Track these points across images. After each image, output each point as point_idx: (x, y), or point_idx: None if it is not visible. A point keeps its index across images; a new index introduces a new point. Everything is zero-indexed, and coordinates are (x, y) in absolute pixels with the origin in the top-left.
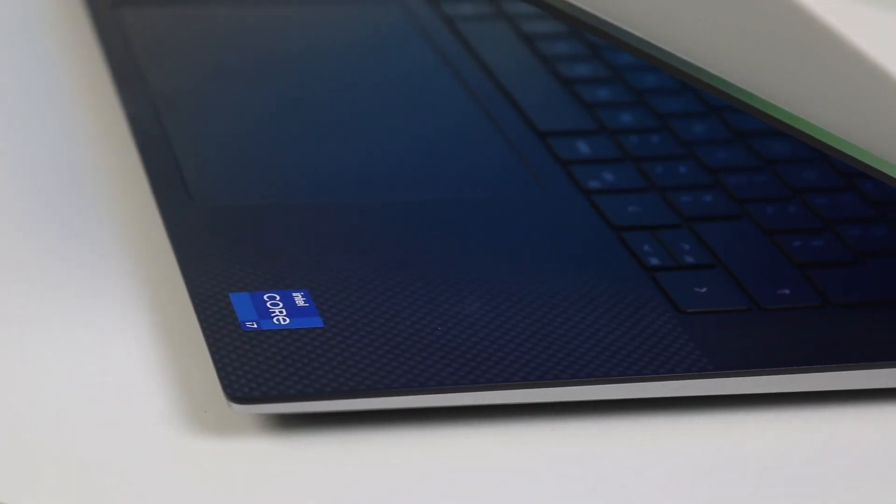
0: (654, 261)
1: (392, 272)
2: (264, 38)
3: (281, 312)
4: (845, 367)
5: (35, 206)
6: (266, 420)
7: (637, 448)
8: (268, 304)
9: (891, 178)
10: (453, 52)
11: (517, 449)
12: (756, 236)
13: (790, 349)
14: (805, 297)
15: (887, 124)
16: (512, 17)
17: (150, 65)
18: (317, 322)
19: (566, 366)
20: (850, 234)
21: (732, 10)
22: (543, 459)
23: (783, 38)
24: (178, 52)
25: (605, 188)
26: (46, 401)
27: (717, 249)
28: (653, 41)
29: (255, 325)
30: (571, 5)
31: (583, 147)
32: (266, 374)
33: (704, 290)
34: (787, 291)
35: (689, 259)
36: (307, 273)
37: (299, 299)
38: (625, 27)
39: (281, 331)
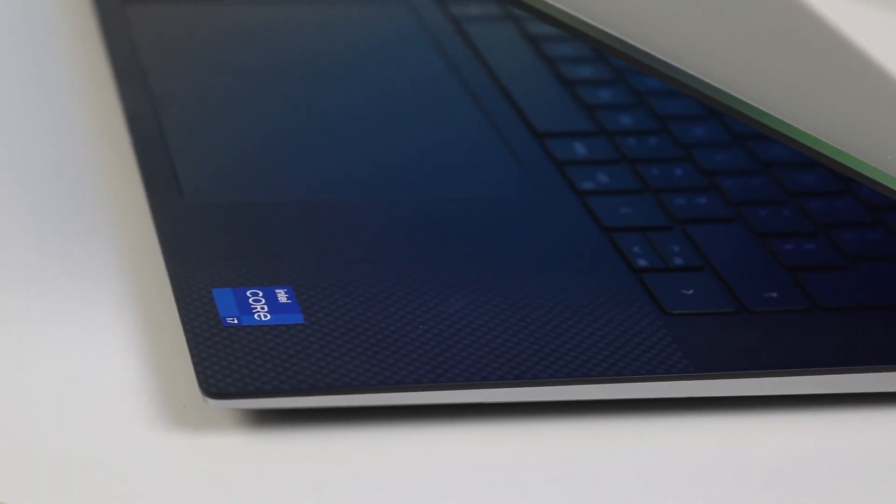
0: (642, 262)
1: (378, 270)
2: (269, 37)
3: (262, 309)
4: (828, 371)
5: (27, 198)
6: (244, 416)
7: (616, 449)
8: (250, 301)
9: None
10: (457, 52)
11: (495, 448)
12: (748, 239)
13: (773, 352)
14: (793, 301)
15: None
16: (518, 19)
17: (152, 62)
18: (298, 318)
19: (545, 366)
20: (844, 238)
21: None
22: (521, 459)
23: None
24: (181, 50)
25: (599, 189)
26: (25, 395)
27: (708, 252)
28: (653, 52)
29: (236, 321)
30: (564, 12)
31: (580, 148)
32: (243, 369)
33: (691, 291)
34: (775, 295)
35: (678, 261)
36: (292, 270)
37: (282, 296)
38: (621, 35)
39: (261, 327)
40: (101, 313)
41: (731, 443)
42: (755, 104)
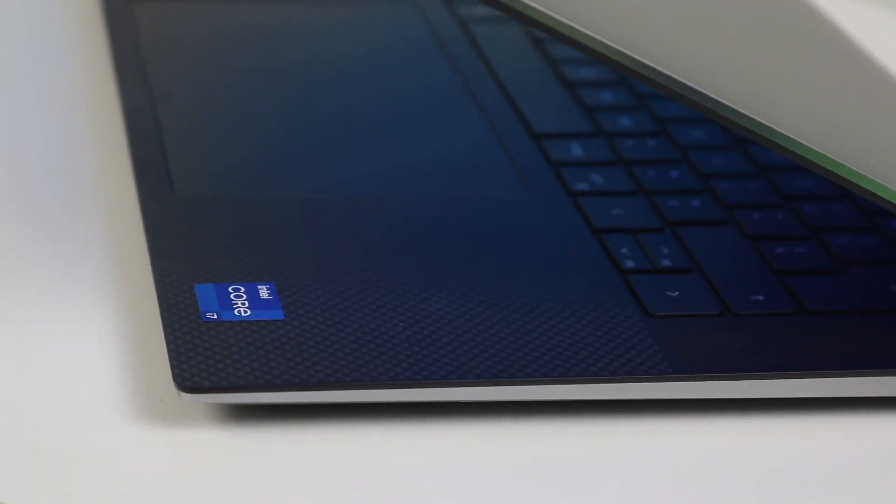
0: (629, 263)
1: (362, 268)
2: (273, 35)
3: (243, 304)
4: (810, 375)
5: (18, 189)
6: (221, 410)
7: (593, 450)
8: (231, 296)
9: None
10: (460, 52)
11: (470, 447)
12: (739, 242)
13: (755, 355)
14: (779, 304)
15: None
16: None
17: (155, 59)
18: (278, 315)
19: (523, 365)
20: (836, 242)
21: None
22: (497, 458)
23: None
24: (184, 48)
25: (592, 190)
26: (3, 387)
27: (697, 254)
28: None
29: (216, 317)
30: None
31: (576, 149)
32: (219, 364)
33: (676, 293)
34: (762, 298)
35: (666, 263)
36: (277, 267)
37: (264, 292)
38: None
39: (240, 322)
40: (84, 307)
41: (710, 446)
42: (759, 118)
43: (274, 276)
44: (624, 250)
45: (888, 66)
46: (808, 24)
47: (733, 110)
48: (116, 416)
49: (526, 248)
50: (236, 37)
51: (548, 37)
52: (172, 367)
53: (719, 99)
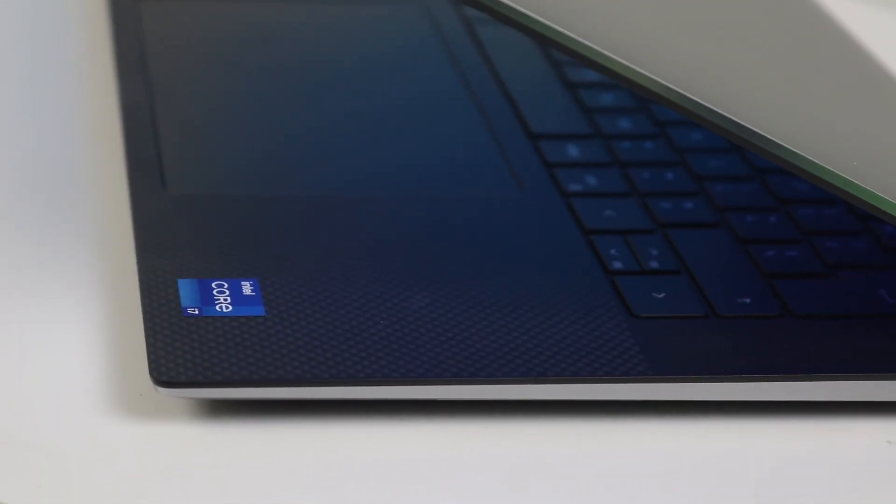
0: (617, 264)
1: (348, 266)
2: (278, 35)
3: (225, 300)
4: (789, 378)
5: (10, 181)
6: (198, 405)
7: (569, 451)
8: (214, 292)
9: None
10: (464, 52)
11: (447, 446)
12: (730, 245)
13: (736, 357)
14: (765, 307)
15: None
16: None
17: (158, 56)
18: (259, 311)
19: (502, 364)
20: (827, 246)
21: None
22: (474, 457)
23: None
24: (188, 46)
25: (586, 191)
26: None
27: (687, 256)
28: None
29: (197, 312)
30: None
31: (573, 151)
32: (196, 359)
33: (662, 295)
34: (748, 300)
35: (654, 264)
36: (262, 263)
37: (247, 288)
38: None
39: (221, 318)
40: (68, 301)
41: (690, 448)
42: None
43: (259, 272)
44: (613, 251)
45: (890, 66)
46: (812, 29)
47: (727, 118)
48: (95, 410)
49: (515, 247)
50: (241, 36)
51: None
52: (150, 362)
53: (710, 106)
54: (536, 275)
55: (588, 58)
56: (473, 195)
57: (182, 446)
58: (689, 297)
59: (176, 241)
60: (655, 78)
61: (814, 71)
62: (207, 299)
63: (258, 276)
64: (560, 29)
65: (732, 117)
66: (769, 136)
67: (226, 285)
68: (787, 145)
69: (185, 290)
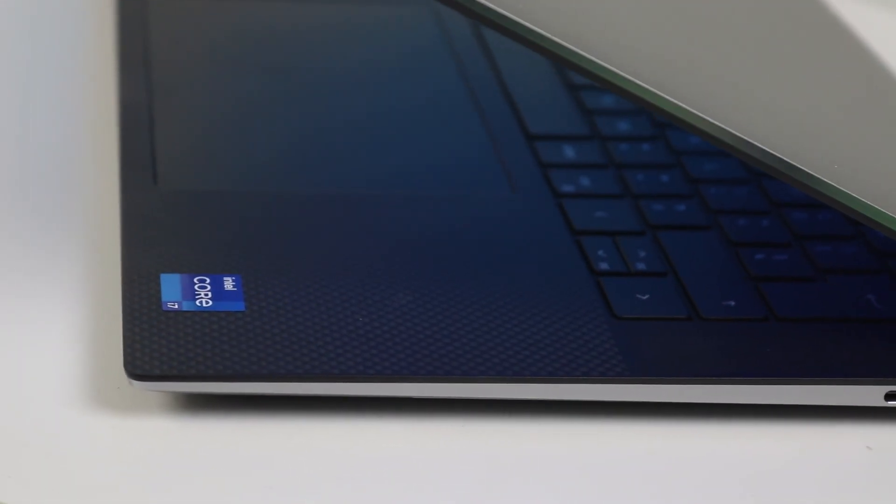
0: (603, 265)
1: (333, 263)
2: (283, 34)
3: (206, 295)
4: (767, 382)
5: (1, 174)
6: (174, 400)
7: (544, 451)
8: (196, 287)
9: None
10: (469, 52)
11: (421, 444)
12: (720, 248)
13: (715, 359)
14: (750, 310)
15: None
16: None
17: (161, 52)
18: (239, 306)
19: (478, 363)
20: (818, 250)
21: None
22: (448, 456)
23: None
24: (193, 43)
25: (578, 192)
26: None
27: (675, 258)
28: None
29: (177, 306)
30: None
31: (569, 152)
32: (172, 353)
33: (647, 297)
34: (733, 303)
35: (641, 266)
36: (246, 259)
37: (229, 284)
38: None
39: (200, 312)
40: (52, 293)
41: (663, 450)
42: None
43: (241, 268)
44: (600, 252)
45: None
46: (815, 34)
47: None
48: (71, 402)
49: (502, 247)
50: (246, 35)
51: None
52: (125, 355)
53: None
54: (521, 274)
55: (570, 60)
56: (464, 194)
57: (155, 440)
58: (674, 298)
59: (162, 235)
60: (632, 79)
61: (818, 78)
62: (189, 294)
63: (242, 272)
64: (540, 31)
65: (728, 128)
66: (767, 148)
67: (208, 280)
68: (789, 159)
69: (167, 284)
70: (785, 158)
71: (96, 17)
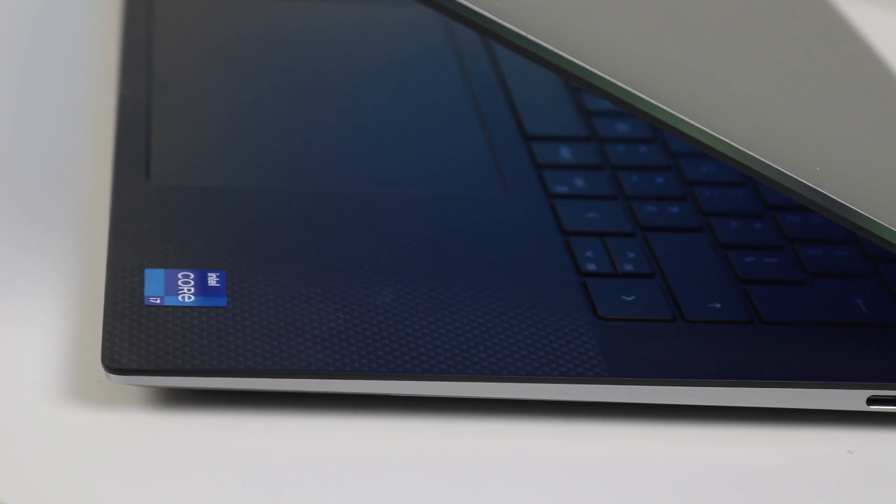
0: (590, 266)
1: (320, 261)
2: (287, 33)
3: (189, 291)
4: (747, 384)
5: None
6: (153, 394)
7: (520, 449)
8: (179, 282)
9: None
10: (473, 51)
11: (397, 441)
12: (710, 250)
13: (696, 362)
14: (735, 313)
15: None
16: None
17: (164, 49)
18: (221, 302)
19: (456, 361)
20: (809, 253)
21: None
22: (423, 453)
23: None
24: (197, 41)
25: (571, 193)
26: None
27: (663, 260)
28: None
29: (159, 301)
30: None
31: (565, 153)
32: (150, 347)
33: (632, 298)
34: (718, 305)
35: (629, 267)
36: (233, 255)
37: (213, 279)
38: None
39: (181, 308)
40: (37, 286)
41: (640, 452)
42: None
43: (226, 264)
44: (588, 253)
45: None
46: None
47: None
48: (51, 396)
49: (490, 246)
50: (251, 33)
51: None
52: (103, 348)
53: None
54: (508, 274)
55: (546, 60)
56: (456, 193)
57: (133, 434)
58: (659, 300)
59: (150, 231)
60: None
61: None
62: (171, 289)
63: (227, 269)
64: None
65: (740, 145)
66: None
67: (192, 276)
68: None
69: (151, 279)
70: (798, 178)
71: (103, 12)
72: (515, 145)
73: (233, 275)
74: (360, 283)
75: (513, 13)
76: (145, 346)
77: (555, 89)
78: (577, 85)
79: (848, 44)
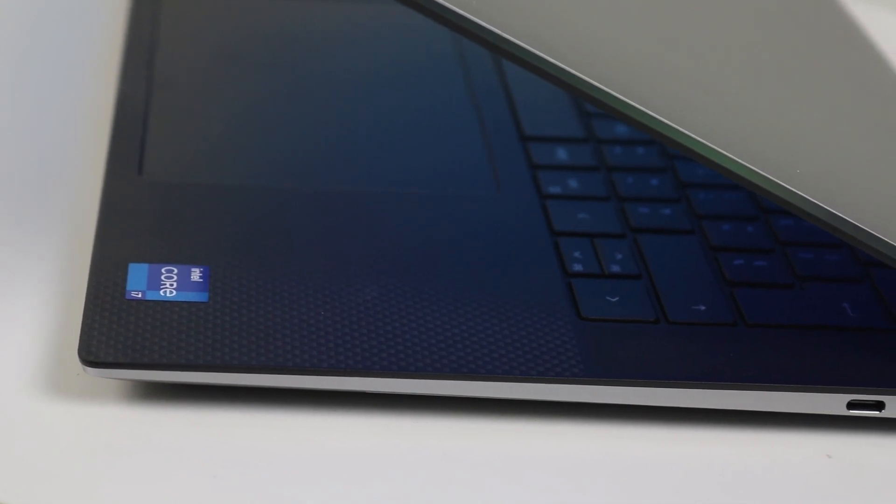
0: (577, 267)
1: (305, 258)
2: (291, 33)
3: (172, 285)
4: (727, 387)
5: None
6: (131, 388)
7: (496, 449)
8: (162, 277)
9: None
10: (475, 52)
11: (373, 439)
12: (699, 252)
13: (676, 363)
14: (719, 315)
15: None
16: None
17: (168, 47)
18: (203, 297)
19: (434, 360)
20: (799, 257)
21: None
22: (399, 451)
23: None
24: (201, 39)
25: (563, 194)
26: None
27: (651, 262)
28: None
29: (140, 295)
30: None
31: (561, 154)
32: (128, 341)
33: (616, 299)
34: (703, 308)
35: (615, 268)
36: (219, 251)
37: (196, 275)
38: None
39: (162, 302)
40: (22, 279)
41: (618, 453)
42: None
43: (211, 260)
44: (576, 254)
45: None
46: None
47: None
48: (30, 388)
49: (478, 244)
50: (254, 33)
51: None
52: (81, 342)
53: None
54: (493, 273)
55: (534, 65)
56: (448, 193)
57: (111, 427)
58: (643, 301)
59: (138, 225)
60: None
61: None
62: (154, 284)
63: (212, 264)
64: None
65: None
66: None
67: (175, 271)
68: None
69: (134, 273)
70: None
71: (109, 10)
72: (512, 146)
73: (216, 271)
74: (344, 280)
75: (509, 20)
76: (123, 340)
77: (556, 90)
78: (557, 86)
79: (855, 48)
